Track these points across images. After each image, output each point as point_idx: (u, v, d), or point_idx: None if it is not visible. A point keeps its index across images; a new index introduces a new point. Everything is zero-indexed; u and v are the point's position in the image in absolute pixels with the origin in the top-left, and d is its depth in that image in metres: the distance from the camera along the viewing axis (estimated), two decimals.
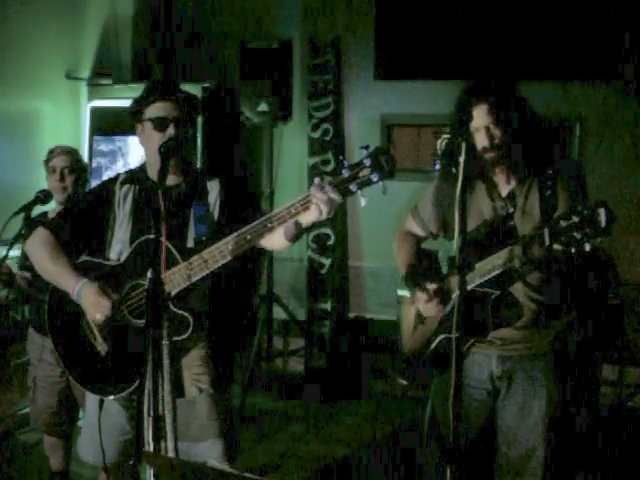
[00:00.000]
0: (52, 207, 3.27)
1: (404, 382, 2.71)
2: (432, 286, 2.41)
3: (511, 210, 2.37)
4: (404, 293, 2.67)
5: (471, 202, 2.36)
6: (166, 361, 2.14)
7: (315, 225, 2.09)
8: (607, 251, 4.09)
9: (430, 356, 2.53)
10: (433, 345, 2.51)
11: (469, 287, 2.23)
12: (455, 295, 2.41)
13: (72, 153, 3.25)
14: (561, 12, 4.72)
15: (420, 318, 2.57)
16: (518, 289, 2.36)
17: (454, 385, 1.89)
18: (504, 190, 2.40)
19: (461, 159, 1.95)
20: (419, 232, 2.67)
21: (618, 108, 4.79)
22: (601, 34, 4.64)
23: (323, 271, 5.44)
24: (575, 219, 2.02)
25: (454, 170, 1.98)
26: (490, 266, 2.28)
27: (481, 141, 2.28)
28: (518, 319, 2.36)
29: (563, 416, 2.46)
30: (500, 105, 2.28)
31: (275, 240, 2.18)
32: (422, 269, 2.54)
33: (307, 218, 2.04)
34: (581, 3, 4.72)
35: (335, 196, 1.95)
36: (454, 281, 2.43)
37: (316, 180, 1.97)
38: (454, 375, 1.89)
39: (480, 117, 2.26)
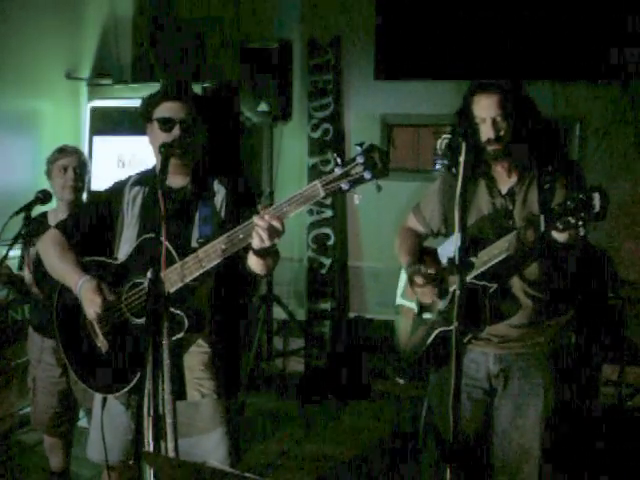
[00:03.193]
0: (52, 207, 3.27)
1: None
2: (429, 270, 2.42)
3: (510, 207, 2.38)
4: (402, 302, 2.69)
5: (471, 199, 2.37)
6: (166, 361, 2.14)
7: (266, 251, 2.10)
8: (606, 250, 4.09)
9: (426, 352, 2.54)
10: (430, 340, 2.51)
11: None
12: (452, 289, 2.43)
13: (80, 153, 3.26)
14: (561, 12, 4.72)
15: (420, 310, 2.56)
16: (516, 285, 2.37)
17: (454, 386, 1.88)
18: (504, 187, 2.41)
19: (461, 159, 1.95)
20: (420, 230, 2.68)
21: (618, 108, 4.79)
22: (601, 34, 4.64)
23: (323, 271, 5.45)
24: (570, 204, 2.04)
25: (454, 170, 1.99)
26: (487, 257, 2.29)
27: (486, 132, 2.29)
28: (515, 313, 2.37)
29: (562, 416, 2.46)
30: (510, 99, 2.30)
31: (250, 257, 2.17)
32: (423, 261, 2.54)
33: (254, 243, 2.07)
34: (581, 3, 4.73)
35: (275, 224, 2.01)
36: (451, 276, 2.44)
37: (259, 208, 2.04)
38: (454, 376, 1.89)
39: (489, 108, 2.29)
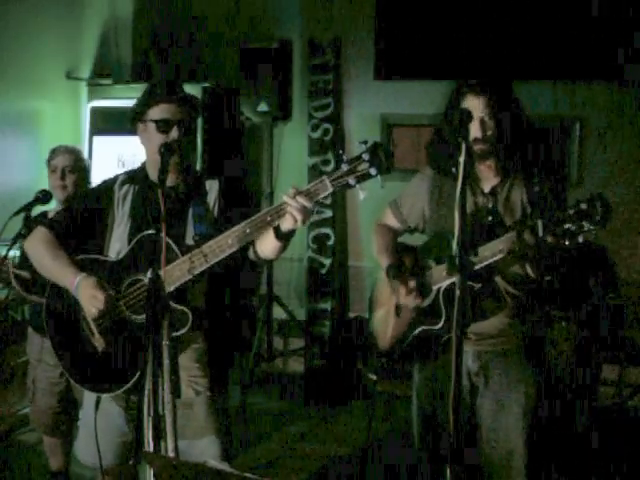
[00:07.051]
0: (52, 207, 3.27)
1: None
2: (412, 280, 2.43)
3: (491, 205, 2.40)
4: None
5: (453, 197, 2.37)
6: (166, 361, 2.14)
7: (293, 232, 2.13)
8: (606, 250, 4.09)
9: (406, 349, 2.53)
10: (410, 338, 2.50)
11: (450, 280, 2.27)
12: (436, 287, 2.43)
13: (74, 153, 3.26)
14: (561, 12, 4.72)
15: (397, 311, 2.56)
16: (498, 284, 2.37)
17: (454, 387, 1.88)
18: (486, 186, 2.43)
19: (461, 159, 1.95)
20: (396, 226, 2.69)
21: (618, 108, 4.79)
22: (601, 34, 4.64)
23: (323, 271, 5.44)
24: (571, 211, 2.04)
25: (454, 170, 1.99)
26: (477, 260, 2.28)
27: (474, 131, 2.29)
28: (497, 312, 2.37)
29: (562, 416, 2.46)
30: (498, 99, 2.32)
31: (267, 242, 2.18)
32: (403, 262, 2.55)
33: (284, 225, 2.09)
34: (581, 3, 4.72)
35: (308, 204, 2.01)
36: (436, 274, 2.44)
37: (290, 190, 2.04)
38: (454, 378, 1.88)
39: (477, 107, 2.29)
